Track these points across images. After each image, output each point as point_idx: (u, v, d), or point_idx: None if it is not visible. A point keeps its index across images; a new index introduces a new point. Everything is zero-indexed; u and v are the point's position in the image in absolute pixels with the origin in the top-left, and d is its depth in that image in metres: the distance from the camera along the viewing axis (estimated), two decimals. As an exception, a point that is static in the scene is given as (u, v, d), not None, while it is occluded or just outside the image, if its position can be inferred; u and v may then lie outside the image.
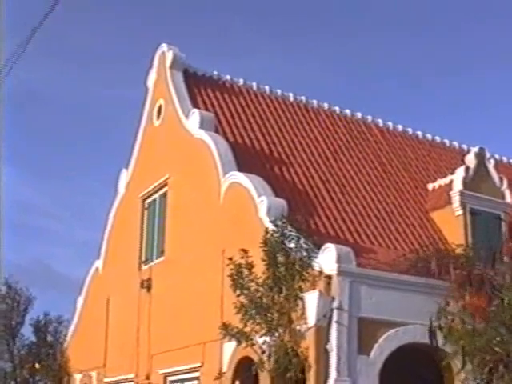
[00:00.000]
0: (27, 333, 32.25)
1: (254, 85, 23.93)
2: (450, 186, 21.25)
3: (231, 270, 16.53)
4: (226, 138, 20.73)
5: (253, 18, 63.16)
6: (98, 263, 26.61)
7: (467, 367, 13.30)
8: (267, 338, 15.99)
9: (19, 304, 32.44)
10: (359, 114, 25.25)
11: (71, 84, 60.76)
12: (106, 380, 24.18)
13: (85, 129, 64.13)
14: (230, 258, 16.63)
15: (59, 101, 62.34)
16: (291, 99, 24.16)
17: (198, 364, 19.10)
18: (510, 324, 12.65)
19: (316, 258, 16.09)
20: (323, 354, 15.50)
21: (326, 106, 24.71)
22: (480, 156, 21.74)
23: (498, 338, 12.70)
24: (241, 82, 23.79)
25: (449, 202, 21.02)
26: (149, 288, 22.11)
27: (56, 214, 62.94)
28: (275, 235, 16.38)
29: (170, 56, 23.07)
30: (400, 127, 26.03)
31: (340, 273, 15.84)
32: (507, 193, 21.77)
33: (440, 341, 13.89)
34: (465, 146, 26.64)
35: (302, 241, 16.20)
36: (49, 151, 63.35)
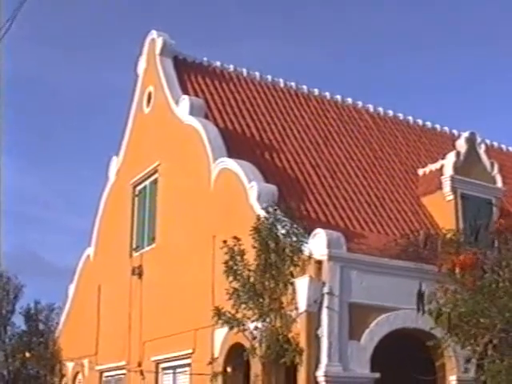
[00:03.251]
0: (18, 321, 32.22)
1: (244, 71, 23.86)
2: (440, 171, 21.23)
3: (225, 253, 16.50)
4: (216, 125, 20.67)
5: (243, 2, 62.92)
6: (89, 251, 26.58)
7: (453, 339, 13.32)
8: (259, 324, 16.00)
9: (9, 292, 32.39)
10: (350, 100, 25.21)
11: (61, 70, 60.52)
12: (97, 368, 24.16)
13: (76, 115, 63.88)
14: (225, 241, 16.57)
15: (48, 86, 62.09)
16: (281, 85, 24.11)
17: (190, 350, 19.09)
18: (495, 297, 12.69)
19: (306, 243, 16.08)
20: (314, 340, 15.51)
21: (316, 91, 24.64)
22: (471, 141, 21.72)
23: (482, 306, 12.71)
24: (231, 68, 23.71)
25: (440, 187, 21.01)
26: (140, 275, 22.08)
27: (46, 201, 62.73)
28: (266, 222, 16.38)
29: (159, 43, 22.99)
30: (391, 112, 26.00)
31: (330, 258, 15.82)
32: (498, 178, 21.76)
33: (430, 325, 13.87)
34: (455, 131, 26.60)
35: (292, 226, 16.19)
36: (39, 137, 63.02)
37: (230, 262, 16.45)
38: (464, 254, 14.16)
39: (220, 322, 16.59)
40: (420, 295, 13.12)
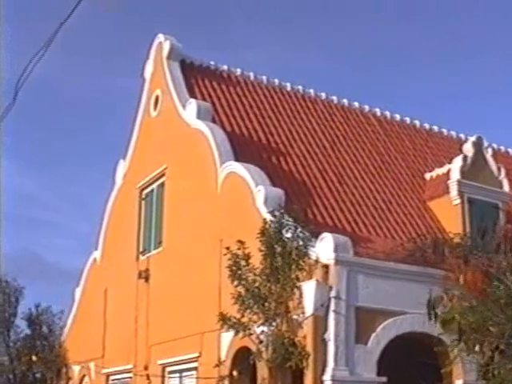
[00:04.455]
0: (21, 325, 32.15)
1: (251, 75, 23.88)
2: (447, 175, 21.22)
3: (229, 259, 16.54)
4: (223, 128, 20.70)
5: (250, 6, 62.95)
6: (96, 254, 26.59)
7: (461, 346, 13.25)
8: (265, 328, 16.00)
9: (10, 296, 32.32)
10: (356, 104, 25.21)
11: (68, 73, 60.56)
12: (104, 371, 24.17)
13: (83, 119, 63.86)
14: (228, 248, 16.64)
15: (55, 91, 62.16)
16: (288, 89, 24.12)
17: (196, 354, 19.09)
18: (503, 305, 12.62)
19: (313, 247, 16.09)
20: (321, 344, 15.52)
21: (323, 95, 24.65)
22: (478, 145, 21.70)
23: (490, 314, 12.64)
24: (238, 71, 23.74)
25: (446, 191, 21.00)
26: (147, 279, 22.08)
27: (51, 205, 62.62)
28: (272, 225, 16.39)
29: (166, 46, 23.00)
30: (398, 116, 25.99)
31: (337, 262, 15.84)
32: (505, 182, 21.75)
33: (437, 330, 13.82)
34: (462, 135, 26.59)
35: (298, 230, 16.20)
36: (46, 141, 63.03)
37: (234, 268, 16.48)
38: (471, 271, 14.04)
39: (225, 326, 16.62)
40: (430, 303, 13.05)
